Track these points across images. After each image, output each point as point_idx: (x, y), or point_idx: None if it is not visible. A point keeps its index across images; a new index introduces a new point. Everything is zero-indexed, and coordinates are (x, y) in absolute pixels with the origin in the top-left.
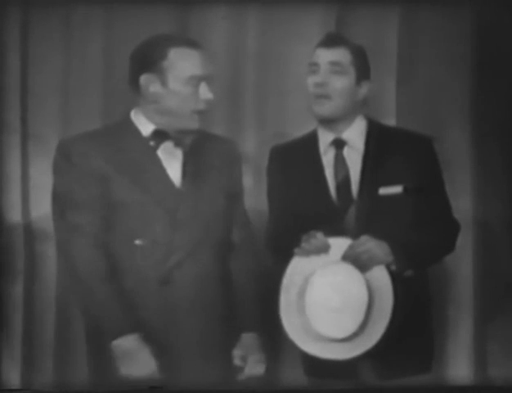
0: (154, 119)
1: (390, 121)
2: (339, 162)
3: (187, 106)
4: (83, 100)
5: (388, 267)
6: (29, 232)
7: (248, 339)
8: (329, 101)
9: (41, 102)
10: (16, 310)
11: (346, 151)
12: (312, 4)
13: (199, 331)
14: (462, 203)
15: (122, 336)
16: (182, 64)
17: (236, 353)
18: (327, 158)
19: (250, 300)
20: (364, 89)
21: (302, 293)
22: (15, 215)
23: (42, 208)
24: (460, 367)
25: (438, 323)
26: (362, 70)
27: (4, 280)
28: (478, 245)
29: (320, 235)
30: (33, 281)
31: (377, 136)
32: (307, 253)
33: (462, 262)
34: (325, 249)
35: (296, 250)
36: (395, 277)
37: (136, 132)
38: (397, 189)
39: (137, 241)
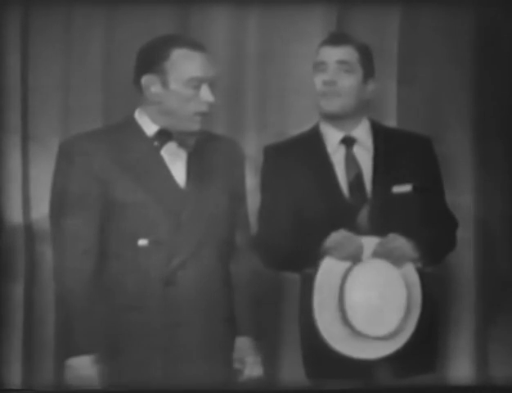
0: (157, 120)
1: (391, 121)
2: (350, 160)
3: (188, 107)
4: (83, 100)
5: (414, 264)
6: (30, 232)
7: (242, 343)
8: (337, 98)
9: (41, 103)
10: (16, 310)
11: (356, 149)
12: (312, 4)
13: (202, 332)
14: (463, 201)
15: (78, 356)
16: (183, 65)
17: (235, 356)
18: (337, 157)
19: (248, 303)
20: (370, 87)
21: (340, 293)
22: (15, 216)
23: (42, 209)
24: (461, 367)
25: (440, 323)
26: (368, 68)
27: (4, 280)
28: (479, 243)
29: (353, 237)
30: (34, 281)
31: (382, 135)
32: (345, 258)
33: (463, 261)
34: (360, 251)
35: (331, 252)
36: (421, 275)
37: (140, 132)
38: (407, 188)
39: (140, 242)
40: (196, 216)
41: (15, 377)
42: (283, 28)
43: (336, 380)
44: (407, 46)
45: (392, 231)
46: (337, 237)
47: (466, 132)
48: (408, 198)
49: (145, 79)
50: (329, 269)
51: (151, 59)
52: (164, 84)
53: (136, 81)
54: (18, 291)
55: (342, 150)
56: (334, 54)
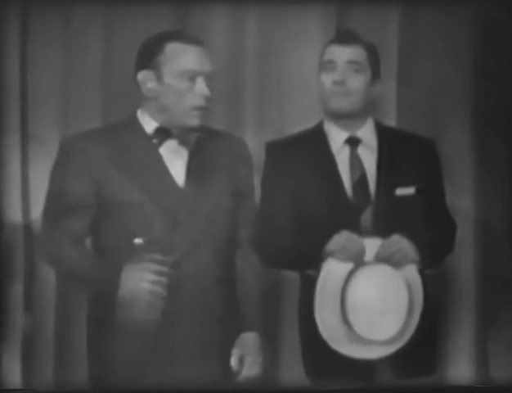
0: (156, 117)
1: (390, 121)
2: (355, 161)
3: (184, 101)
4: (83, 100)
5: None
6: (29, 232)
7: (247, 339)
8: (347, 97)
9: (41, 103)
10: (16, 310)
11: (360, 150)
12: (312, 3)
13: (199, 330)
14: (463, 203)
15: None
16: (177, 58)
17: (235, 352)
18: (341, 156)
19: (253, 300)
20: (377, 88)
21: (341, 296)
22: (15, 216)
23: (41, 209)
24: (461, 367)
25: (440, 323)
26: (376, 68)
27: (4, 280)
28: (479, 245)
29: (355, 237)
30: (33, 281)
31: (387, 136)
32: (348, 259)
33: (463, 262)
34: (363, 252)
35: (334, 254)
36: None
37: (141, 130)
38: (410, 190)
39: (136, 241)
40: (193, 215)
41: (15, 377)
42: (282, 27)
43: (336, 380)
44: (407, 45)
45: (396, 232)
46: (340, 239)
47: (466, 132)
48: (411, 200)
49: (141, 75)
50: (331, 272)
51: (146, 55)
52: (159, 79)
53: (135, 79)
54: (18, 290)
55: (346, 150)
56: (343, 53)
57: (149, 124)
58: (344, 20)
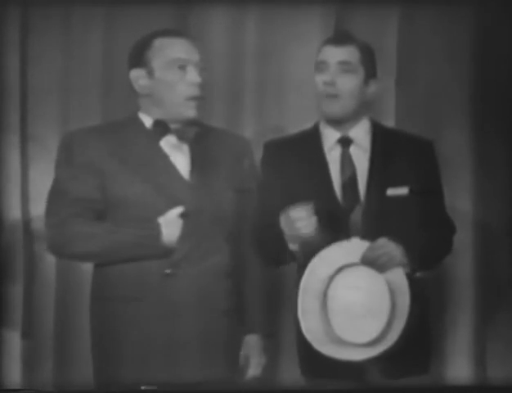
0: (153, 113)
1: (389, 121)
2: (346, 160)
3: (178, 92)
4: (82, 100)
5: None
6: (29, 232)
7: (251, 341)
8: (338, 100)
9: (41, 103)
10: (15, 310)
11: (352, 150)
12: (311, 4)
13: (202, 323)
14: (462, 204)
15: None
16: (165, 50)
17: (243, 352)
18: (332, 156)
19: (257, 301)
20: (372, 88)
21: (322, 298)
22: (15, 215)
23: (41, 208)
24: (459, 367)
25: (438, 324)
26: (370, 68)
27: (4, 280)
28: (478, 246)
29: (302, 213)
30: (33, 281)
31: (382, 136)
32: (296, 239)
33: (462, 263)
34: (311, 229)
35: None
36: (409, 280)
37: (141, 126)
38: (403, 190)
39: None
40: (201, 208)
41: (15, 377)
42: (282, 27)
43: (331, 379)
44: (406, 46)
45: (386, 234)
46: (284, 218)
47: (465, 132)
48: (405, 201)
49: (133, 74)
50: (315, 272)
51: (136, 53)
52: (150, 74)
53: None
54: (18, 290)
55: (338, 150)
56: (335, 54)
57: (147, 121)
58: (344, 20)
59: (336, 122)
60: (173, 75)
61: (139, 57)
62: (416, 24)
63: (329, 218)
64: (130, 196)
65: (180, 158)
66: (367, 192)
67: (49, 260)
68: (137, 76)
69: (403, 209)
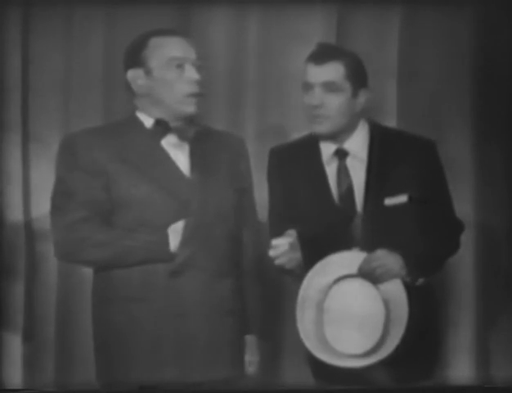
0: (152, 113)
1: (391, 122)
2: (342, 173)
3: (176, 90)
4: (83, 100)
5: (402, 279)
6: (30, 231)
7: (248, 341)
8: (327, 120)
9: (42, 102)
10: (17, 310)
11: (349, 162)
12: (313, 4)
13: (207, 323)
14: (463, 206)
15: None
16: (161, 49)
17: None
18: (330, 168)
19: (255, 301)
20: (362, 98)
21: (318, 309)
22: (15, 215)
23: (42, 208)
24: (462, 367)
25: (441, 325)
26: (358, 79)
27: (5, 280)
28: (480, 247)
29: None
30: (34, 281)
31: (380, 142)
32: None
33: (464, 264)
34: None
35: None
36: (409, 288)
37: (141, 126)
38: (402, 199)
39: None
40: (204, 206)
41: (15, 377)
42: (283, 27)
43: (340, 381)
44: (407, 46)
45: (386, 243)
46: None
47: (466, 134)
48: (406, 208)
49: (130, 74)
50: (313, 283)
51: (132, 53)
52: (148, 74)
53: (126, 81)
54: (18, 290)
55: (335, 162)
56: (319, 75)
57: (147, 121)
58: (345, 21)
59: (330, 138)
60: (171, 74)
61: (135, 57)
62: (418, 24)
63: (329, 229)
64: (134, 196)
65: (181, 157)
66: (365, 204)
67: (51, 261)
68: (135, 76)
69: (404, 216)
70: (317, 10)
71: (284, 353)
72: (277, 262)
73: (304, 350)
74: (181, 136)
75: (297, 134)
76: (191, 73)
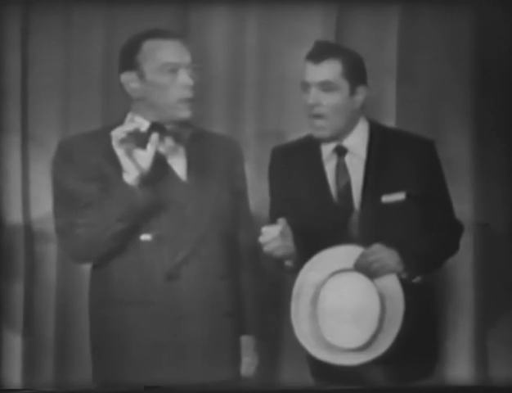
0: (147, 116)
1: (390, 122)
2: (341, 170)
3: (170, 95)
4: (83, 100)
5: (398, 275)
6: (30, 232)
7: (245, 341)
8: (325, 121)
9: (41, 103)
10: (16, 310)
11: (348, 158)
12: (312, 4)
13: (204, 325)
14: (463, 205)
15: None
16: (155, 54)
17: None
18: (329, 165)
19: (252, 302)
20: (360, 96)
21: (313, 303)
22: (15, 216)
23: (42, 209)
24: (461, 367)
25: (440, 325)
26: (356, 77)
27: (4, 280)
28: (479, 247)
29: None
30: (33, 281)
31: (379, 140)
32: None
33: (463, 264)
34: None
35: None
36: (405, 285)
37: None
38: (399, 196)
39: (143, 237)
40: (200, 210)
41: (15, 377)
42: (282, 27)
43: (338, 382)
44: (407, 46)
45: (383, 240)
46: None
47: (465, 134)
48: (404, 206)
49: (123, 77)
50: (304, 279)
51: (126, 56)
52: (141, 77)
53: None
54: (18, 290)
55: (334, 159)
56: (315, 74)
57: (142, 124)
58: (344, 20)
59: (330, 140)
60: (165, 79)
61: (129, 60)
62: (417, 23)
63: (327, 227)
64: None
65: (176, 159)
66: (362, 201)
67: (50, 261)
68: (128, 79)
69: (402, 213)
70: (316, 11)
71: (282, 353)
72: (265, 249)
73: (304, 349)
74: (177, 138)
75: (296, 136)
76: (185, 78)
